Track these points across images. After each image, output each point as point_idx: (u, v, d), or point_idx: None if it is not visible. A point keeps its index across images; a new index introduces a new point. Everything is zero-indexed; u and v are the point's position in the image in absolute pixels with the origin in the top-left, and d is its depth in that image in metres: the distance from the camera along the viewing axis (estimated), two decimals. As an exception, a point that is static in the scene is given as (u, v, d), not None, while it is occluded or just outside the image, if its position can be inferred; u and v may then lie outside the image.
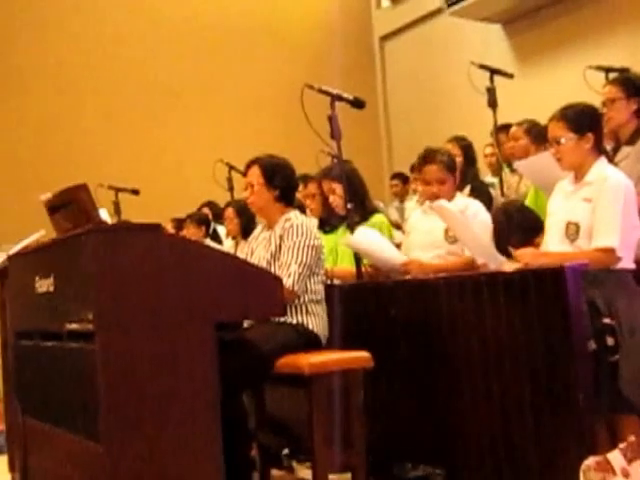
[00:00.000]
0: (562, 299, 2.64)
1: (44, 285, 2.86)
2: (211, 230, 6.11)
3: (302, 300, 3.30)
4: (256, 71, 8.57)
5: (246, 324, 3.38)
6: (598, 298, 2.79)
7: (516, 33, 7.86)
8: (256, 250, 3.53)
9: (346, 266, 4.07)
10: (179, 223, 6.40)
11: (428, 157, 3.81)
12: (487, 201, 4.40)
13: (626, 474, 2.20)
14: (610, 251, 2.84)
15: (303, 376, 2.97)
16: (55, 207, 3.06)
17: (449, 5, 7.68)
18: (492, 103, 4.45)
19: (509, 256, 3.16)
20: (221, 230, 6.07)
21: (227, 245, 5.66)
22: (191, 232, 5.98)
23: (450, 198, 3.75)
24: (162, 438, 2.45)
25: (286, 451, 4.07)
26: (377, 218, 4.19)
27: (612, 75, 4.19)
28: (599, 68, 4.39)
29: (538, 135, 4.36)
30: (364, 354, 3.09)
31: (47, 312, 2.89)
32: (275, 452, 3.93)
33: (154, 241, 2.53)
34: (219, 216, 6.06)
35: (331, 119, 3.71)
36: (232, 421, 2.77)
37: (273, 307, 2.83)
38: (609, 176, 2.96)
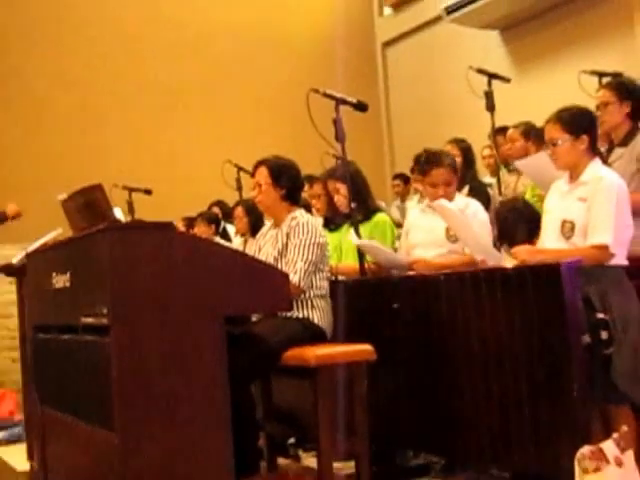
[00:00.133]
0: (558, 294, 2.63)
1: (61, 281, 2.86)
2: (221, 228, 6.10)
3: (308, 295, 3.29)
4: (264, 77, 8.58)
5: (254, 318, 3.38)
6: (593, 293, 2.78)
7: (513, 39, 7.84)
8: (264, 247, 3.53)
9: (350, 263, 4.06)
10: (190, 222, 6.40)
11: (435, 161, 3.75)
12: (485, 201, 4.39)
13: (619, 463, 2.20)
14: (604, 248, 2.83)
15: (309, 368, 2.96)
16: (72, 206, 3.06)
17: (448, 13, 7.67)
18: (490, 106, 4.43)
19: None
20: (230, 228, 6.07)
21: (236, 243, 5.66)
22: (201, 230, 5.97)
23: (451, 198, 3.74)
24: (173, 427, 2.45)
25: (292, 440, 4.07)
26: (380, 217, 4.18)
27: (605, 79, 4.18)
28: (593, 73, 4.37)
29: (537, 136, 4.36)
30: (367, 347, 3.08)
31: (64, 307, 2.89)
32: (282, 441, 3.93)
33: (166, 239, 2.53)
34: (228, 215, 6.06)
35: (335, 122, 3.71)
36: (241, 411, 2.76)
37: (280, 302, 2.83)
38: (603, 176, 2.95)
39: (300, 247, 3.28)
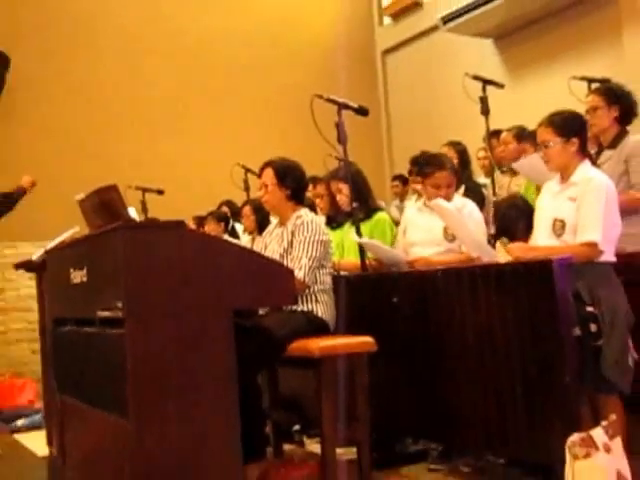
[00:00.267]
0: (550, 289, 2.62)
1: (78, 276, 2.86)
2: (230, 227, 6.10)
3: (312, 290, 3.29)
4: (272, 84, 8.59)
5: (261, 312, 3.38)
6: (582, 288, 2.77)
7: (506, 47, 7.83)
8: (270, 244, 3.52)
9: (352, 259, 4.05)
10: (200, 220, 6.40)
11: (438, 164, 3.76)
12: (480, 200, 4.39)
13: (607, 449, 2.19)
14: (593, 245, 2.83)
15: (313, 359, 2.96)
16: (88, 206, 3.06)
17: (445, 22, 7.68)
18: (485, 111, 4.42)
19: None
20: (238, 227, 6.07)
21: (244, 240, 5.66)
22: (211, 228, 5.97)
23: (451, 198, 3.74)
24: (184, 414, 2.45)
25: (297, 427, 4.07)
26: (380, 216, 4.18)
27: (594, 85, 4.17)
28: (582, 79, 4.37)
29: (531, 138, 4.36)
30: (368, 339, 3.08)
31: (81, 301, 2.89)
32: (287, 428, 3.93)
33: (178, 237, 2.53)
34: (237, 214, 6.06)
35: (338, 126, 3.71)
36: (248, 400, 2.76)
37: (286, 296, 2.83)
38: (593, 177, 2.94)
39: (305, 244, 3.28)
